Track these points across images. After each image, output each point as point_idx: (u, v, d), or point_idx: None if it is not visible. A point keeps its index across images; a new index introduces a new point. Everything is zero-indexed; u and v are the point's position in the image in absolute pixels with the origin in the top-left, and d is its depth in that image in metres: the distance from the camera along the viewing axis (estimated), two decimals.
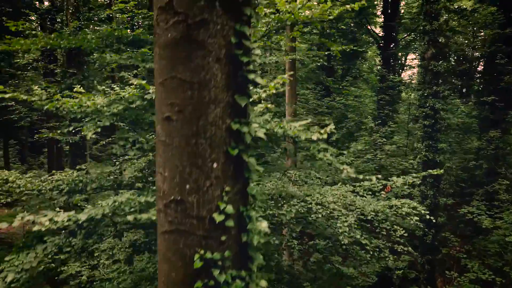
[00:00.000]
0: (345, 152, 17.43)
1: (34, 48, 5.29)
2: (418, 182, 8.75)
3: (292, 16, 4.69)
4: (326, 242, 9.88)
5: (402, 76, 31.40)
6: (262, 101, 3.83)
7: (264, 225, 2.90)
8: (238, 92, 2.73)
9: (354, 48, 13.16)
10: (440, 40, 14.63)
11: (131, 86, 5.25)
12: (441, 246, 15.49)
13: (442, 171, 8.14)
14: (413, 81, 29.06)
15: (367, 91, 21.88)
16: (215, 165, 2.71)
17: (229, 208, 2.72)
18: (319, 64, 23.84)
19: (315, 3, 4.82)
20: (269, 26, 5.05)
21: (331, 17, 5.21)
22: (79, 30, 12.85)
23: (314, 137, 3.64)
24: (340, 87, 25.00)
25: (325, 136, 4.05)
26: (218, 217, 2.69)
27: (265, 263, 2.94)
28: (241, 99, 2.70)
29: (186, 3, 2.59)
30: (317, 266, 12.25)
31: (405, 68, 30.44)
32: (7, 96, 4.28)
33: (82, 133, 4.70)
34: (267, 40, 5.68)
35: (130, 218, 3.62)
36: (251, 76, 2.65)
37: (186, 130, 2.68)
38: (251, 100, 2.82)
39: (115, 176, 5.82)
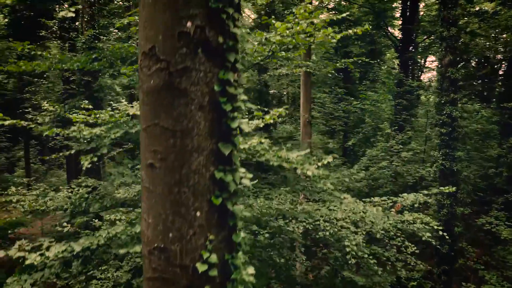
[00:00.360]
0: (359, 163, 17.24)
1: (39, 69, 5.34)
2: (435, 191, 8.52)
3: (294, 40, 4.61)
4: (337, 254, 9.75)
5: (421, 78, 30.90)
6: (255, 136, 3.76)
7: (250, 271, 2.84)
8: (222, 139, 2.66)
9: (366, 60, 12.94)
10: (458, 46, 14.27)
11: (133, 107, 5.23)
12: (458, 257, 15.16)
13: (454, 188, 7.94)
14: (432, 84, 28.51)
15: (385, 95, 21.52)
16: (198, 213, 2.65)
17: (213, 257, 2.66)
18: (338, 65, 23.66)
19: (316, 28, 4.72)
20: (272, 48, 4.97)
21: (334, 41, 5.11)
22: (94, 38, 12.96)
23: (309, 173, 3.54)
24: (359, 89, 24.71)
25: (322, 168, 3.95)
26: (201, 267, 2.63)
27: None
28: (225, 147, 2.63)
29: (168, 50, 2.54)
30: (329, 276, 12.12)
31: (424, 70, 29.90)
32: (6, 123, 4.31)
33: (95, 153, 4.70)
34: (273, 59, 5.60)
35: (122, 251, 3.59)
36: (234, 124, 2.58)
37: (169, 178, 2.63)
38: (246, 129, 2.76)
39: (116, 195, 5.84)
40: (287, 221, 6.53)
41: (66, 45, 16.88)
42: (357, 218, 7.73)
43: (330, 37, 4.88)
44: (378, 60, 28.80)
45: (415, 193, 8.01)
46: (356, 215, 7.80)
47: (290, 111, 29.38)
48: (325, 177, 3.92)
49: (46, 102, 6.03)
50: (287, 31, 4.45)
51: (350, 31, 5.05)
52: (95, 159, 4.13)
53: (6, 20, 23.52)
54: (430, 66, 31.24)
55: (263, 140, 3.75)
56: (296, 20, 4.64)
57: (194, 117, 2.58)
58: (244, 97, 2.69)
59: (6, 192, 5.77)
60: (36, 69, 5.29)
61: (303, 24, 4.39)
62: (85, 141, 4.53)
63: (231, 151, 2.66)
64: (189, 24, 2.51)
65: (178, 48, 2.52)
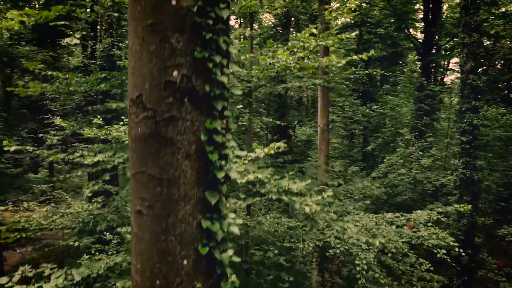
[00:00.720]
0: (377, 170, 16.98)
1: (48, 91, 5.42)
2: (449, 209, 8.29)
3: (298, 65, 4.56)
4: (350, 269, 9.62)
5: (445, 80, 30.22)
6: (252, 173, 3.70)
7: None
8: (209, 188, 2.63)
9: (382, 72, 12.69)
10: (480, 52, 13.89)
11: None
12: (478, 268, 14.79)
13: (469, 206, 7.71)
14: (456, 85, 27.87)
15: (405, 100, 21.13)
16: (185, 262, 2.63)
17: None
18: (357, 67, 23.32)
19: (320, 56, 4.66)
20: (277, 68, 4.90)
21: (340, 65, 5.02)
22: (112, 46, 13.11)
23: (307, 209, 3.48)
24: (379, 93, 24.33)
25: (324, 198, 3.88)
26: None
27: None
28: (211, 197, 2.60)
29: (155, 99, 2.52)
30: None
31: (447, 72, 29.24)
32: (12, 149, 4.39)
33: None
34: (283, 76, 5.55)
35: (119, 285, 3.60)
36: (220, 175, 2.54)
37: (156, 226, 2.61)
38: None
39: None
40: (296, 242, 6.46)
41: (86, 52, 17.14)
42: (369, 235, 7.60)
43: (335, 63, 4.81)
44: (401, 62, 28.33)
45: (429, 210, 7.81)
46: (368, 232, 7.67)
47: (310, 114, 29.18)
48: (325, 213, 3.85)
49: (59, 118, 6.11)
50: (290, 58, 4.40)
51: (355, 56, 4.96)
52: (96, 187, 4.17)
53: (31, 24, 24.07)
54: (454, 68, 30.52)
55: (260, 176, 3.70)
56: (301, 44, 4.58)
57: (180, 166, 2.56)
58: (233, 143, 2.65)
59: (18, 208, 5.88)
60: (45, 91, 5.38)
61: (305, 51, 4.33)
62: (90, 166, 4.58)
63: (218, 199, 2.62)
64: (175, 73, 2.49)
65: (164, 97, 2.51)
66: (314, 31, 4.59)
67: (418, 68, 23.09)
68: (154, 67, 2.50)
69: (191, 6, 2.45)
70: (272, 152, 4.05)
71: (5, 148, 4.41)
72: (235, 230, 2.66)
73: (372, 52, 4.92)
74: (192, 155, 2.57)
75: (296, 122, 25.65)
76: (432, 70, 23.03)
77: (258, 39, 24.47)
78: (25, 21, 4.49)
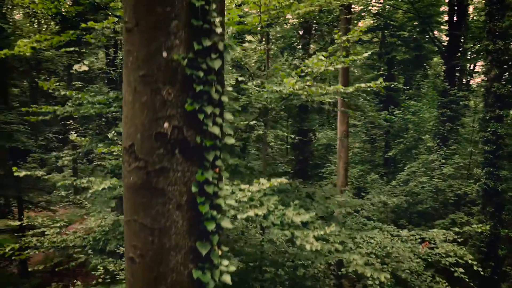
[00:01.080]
0: (397, 179, 16.68)
1: (62, 112, 5.52)
2: (467, 229, 8.09)
3: (306, 93, 4.51)
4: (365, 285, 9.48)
5: (470, 82, 29.44)
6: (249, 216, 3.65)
7: None
8: (201, 238, 2.62)
9: (399, 86, 12.41)
10: (505, 59, 13.50)
11: None
12: (501, 281, 14.40)
13: (488, 227, 7.50)
14: (481, 90, 27.16)
15: (428, 105, 20.68)
16: None
17: None
18: (378, 73, 22.99)
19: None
20: (284, 96, 4.88)
21: (349, 91, 4.95)
22: None
23: (308, 247, 3.42)
24: (401, 98, 23.89)
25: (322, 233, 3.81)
26: None
27: None
28: (203, 247, 2.58)
29: (146, 150, 2.52)
30: None
31: (474, 75, 28.46)
32: (22, 174, 4.48)
33: None
34: (291, 100, 5.50)
35: None
36: (211, 226, 2.52)
37: (147, 275, 2.61)
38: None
39: None
40: (306, 262, 6.41)
41: (109, 57, 17.40)
42: (383, 253, 7.48)
43: (342, 90, 4.74)
44: (425, 64, 27.73)
45: (445, 230, 7.63)
46: (382, 251, 7.55)
47: (331, 118, 28.91)
48: (330, 244, 3.79)
49: (74, 133, 6.20)
50: (297, 85, 4.34)
51: (363, 85, 4.88)
52: (105, 219, 4.22)
53: (58, 27, 24.54)
54: (480, 69, 29.72)
55: (259, 212, 3.64)
56: (309, 69, 4.53)
57: (172, 216, 2.56)
58: (225, 192, 2.62)
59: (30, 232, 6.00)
60: (58, 112, 5.47)
61: (314, 75, 4.28)
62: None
63: (210, 249, 2.61)
64: (166, 125, 2.48)
65: (155, 148, 2.50)
66: (322, 58, 4.53)
67: (442, 71, 22.58)
68: (146, 118, 2.50)
69: (182, 58, 2.43)
70: (275, 184, 4.00)
71: (15, 174, 4.52)
72: (227, 279, 2.64)
73: (380, 80, 4.79)
74: (183, 205, 2.56)
75: (317, 125, 25.46)
76: (457, 74, 22.49)
77: (279, 42, 24.31)
78: (36, 47, 4.58)
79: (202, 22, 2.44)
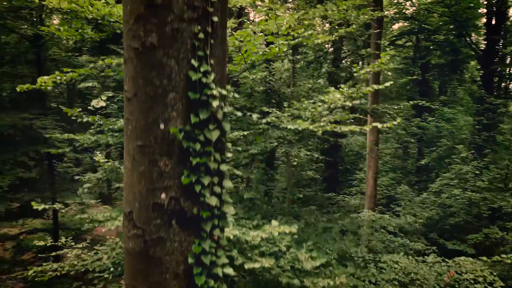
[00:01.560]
0: (429, 191, 16.23)
1: (82, 142, 5.65)
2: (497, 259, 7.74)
3: (321, 131, 4.42)
4: None
5: (510, 86, 28.27)
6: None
7: None
8: None
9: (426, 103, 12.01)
10: None
11: None
12: None
13: None
14: None
15: (463, 113, 20.01)
16: None
17: None
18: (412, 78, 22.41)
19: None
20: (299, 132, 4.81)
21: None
22: None
23: None
24: (435, 104, 23.21)
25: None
26: None
27: None
28: None
29: (144, 219, 2.52)
30: None
31: None
32: (40, 208, 4.60)
33: None
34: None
35: None
36: None
37: None
38: None
39: None
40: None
41: None
42: (406, 280, 7.29)
43: (356, 129, 4.62)
44: (462, 68, 26.82)
45: (473, 259, 7.35)
46: (406, 277, 7.35)
47: (362, 123, 28.37)
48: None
49: (99, 153, 6.33)
50: (311, 126, 4.27)
51: (379, 125, 4.72)
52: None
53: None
54: None
55: (267, 264, 3.59)
56: (325, 105, 4.43)
57: (169, 285, 2.55)
58: (225, 260, 2.59)
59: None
60: (79, 141, 5.60)
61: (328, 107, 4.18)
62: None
63: None
64: (163, 195, 2.47)
65: (152, 218, 2.50)
66: (338, 96, 4.42)
67: (478, 77, 21.80)
68: (143, 187, 2.50)
69: (179, 131, 2.41)
70: (287, 231, 3.93)
71: (34, 207, 4.66)
72: None
73: (389, 123, 4.61)
74: (180, 274, 2.55)
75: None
76: (496, 79, 21.64)
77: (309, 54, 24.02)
78: (57, 81, 4.69)
79: (200, 95, 2.41)
